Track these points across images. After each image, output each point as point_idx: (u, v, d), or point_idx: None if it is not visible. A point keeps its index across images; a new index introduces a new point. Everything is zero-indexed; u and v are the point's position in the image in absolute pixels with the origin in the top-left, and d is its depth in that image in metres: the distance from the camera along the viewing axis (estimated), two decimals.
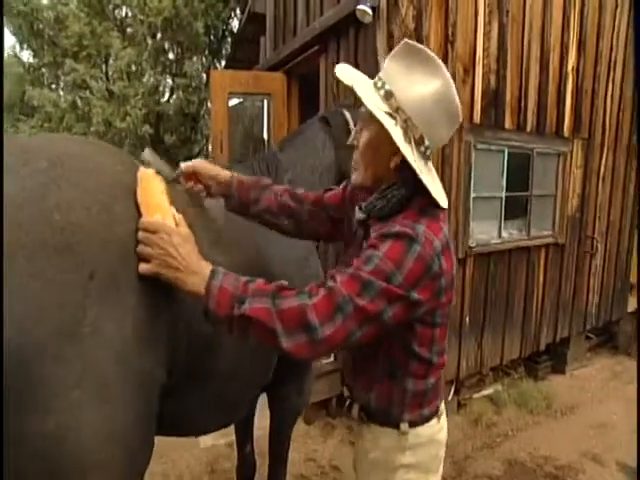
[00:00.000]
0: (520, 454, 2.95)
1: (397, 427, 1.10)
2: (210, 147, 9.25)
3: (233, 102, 4.60)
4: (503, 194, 3.61)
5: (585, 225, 4.28)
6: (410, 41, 1.00)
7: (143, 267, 0.91)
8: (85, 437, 0.82)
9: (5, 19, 9.38)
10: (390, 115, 0.96)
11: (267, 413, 1.85)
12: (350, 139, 1.11)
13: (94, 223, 0.87)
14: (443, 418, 1.19)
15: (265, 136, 4.98)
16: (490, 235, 3.58)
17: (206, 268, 0.93)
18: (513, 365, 4.02)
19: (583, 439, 3.11)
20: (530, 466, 2.82)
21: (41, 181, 0.85)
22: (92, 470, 0.84)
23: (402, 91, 0.97)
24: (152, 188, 1.00)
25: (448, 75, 0.99)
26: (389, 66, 1.01)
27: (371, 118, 1.00)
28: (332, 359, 3.44)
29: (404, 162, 0.98)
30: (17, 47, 10.19)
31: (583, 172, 4.16)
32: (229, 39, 10.42)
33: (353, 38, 3.10)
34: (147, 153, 1.33)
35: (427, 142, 1.00)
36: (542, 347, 4.08)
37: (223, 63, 9.72)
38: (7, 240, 0.77)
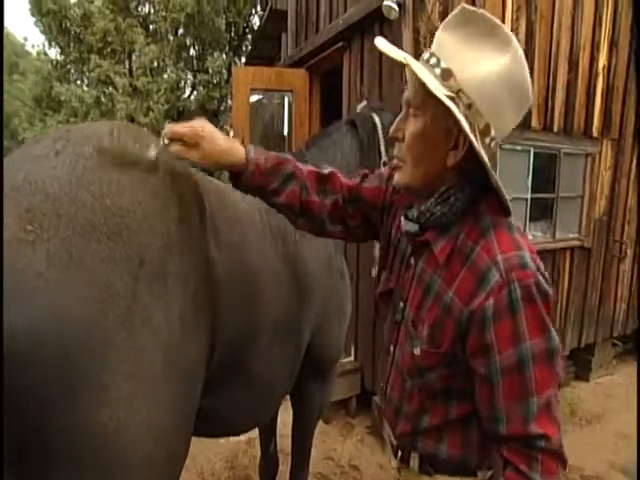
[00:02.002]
0: None
1: (474, 474, 0.93)
2: None
3: (253, 99, 4.59)
4: (528, 195, 3.52)
5: (613, 228, 4.14)
6: (468, 6, 0.79)
7: None
8: (136, 431, 0.80)
9: (35, 18, 9.65)
10: (452, 100, 0.76)
11: (289, 411, 1.85)
12: (392, 130, 0.88)
13: (143, 208, 0.86)
14: None
15: (285, 133, 4.96)
16: None
17: None
18: None
19: (610, 449, 3.00)
20: None
21: (88, 165, 0.84)
22: (139, 465, 0.83)
23: (464, 70, 0.76)
24: None
25: (519, 47, 0.77)
26: (443, 38, 0.79)
27: (425, 103, 0.80)
28: (352, 358, 3.41)
29: (467, 158, 0.80)
30: (46, 45, 10.46)
31: (612, 174, 4.03)
32: (249, 36, 10.47)
33: (378, 35, 3.05)
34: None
35: (493, 132, 0.80)
36: (566, 353, 3.97)
37: (243, 60, 9.76)
38: (58, 224, 0.76)
